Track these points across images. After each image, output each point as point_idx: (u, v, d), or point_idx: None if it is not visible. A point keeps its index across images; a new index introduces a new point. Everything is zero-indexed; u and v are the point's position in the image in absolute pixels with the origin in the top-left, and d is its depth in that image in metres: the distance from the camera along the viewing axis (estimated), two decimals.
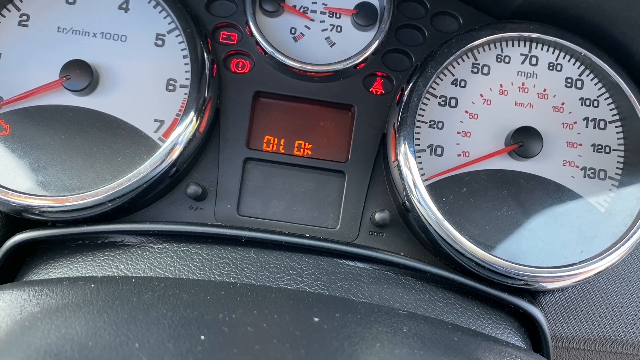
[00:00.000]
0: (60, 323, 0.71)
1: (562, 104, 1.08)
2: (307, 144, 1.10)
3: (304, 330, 0.70)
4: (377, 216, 1.05)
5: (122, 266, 0.94)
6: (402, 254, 1.04)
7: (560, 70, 1.09)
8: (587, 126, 1.07)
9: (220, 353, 0.62)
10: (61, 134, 1.02)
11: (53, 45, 1.06)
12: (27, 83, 1.04)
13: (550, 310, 1.05)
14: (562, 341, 1.06)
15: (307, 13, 1.12)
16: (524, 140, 1.04)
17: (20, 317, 0.76)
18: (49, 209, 0.97)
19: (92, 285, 0.81)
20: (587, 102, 1.08)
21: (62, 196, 0.97)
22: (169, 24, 1.07)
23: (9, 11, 1.07)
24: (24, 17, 1.07)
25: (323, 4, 1.11)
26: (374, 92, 1.11)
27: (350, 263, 0.99)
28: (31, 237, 0.96)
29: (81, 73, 1.03)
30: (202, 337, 0.64)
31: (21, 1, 1.07)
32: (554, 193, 1.04)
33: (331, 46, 1.11)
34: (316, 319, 0.74)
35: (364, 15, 1.10)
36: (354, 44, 1.09)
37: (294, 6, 1.11)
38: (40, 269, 0.97)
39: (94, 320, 0.70)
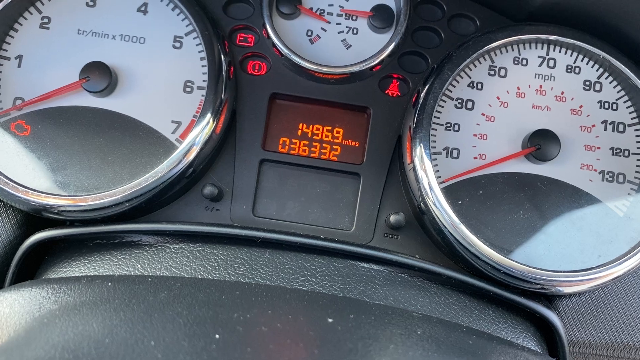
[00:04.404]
0: (78, 320, 0.71)
1: (580, 106, 1.07)
2: (322, 145, 1.10)
3: (318, 330, 0.70)
4: (392, 218, 1.05)
5: (139, 265, 0.95)
6: (417, 256, 1.03)
7: (579, 72, 1.08)
8: (605, 129, 1.06)
9: (234, 352, 0.62)
10: (80, 135, 1.04)
11: (73, 47, 1.08)
12: (48, 84, 1.05)
13: (567, 314, 1.04)
14: (579, 346, 1.05)
15: (323, 15, 1.12)
16: (541, 143, 1.03)
17: (39, 314, 0.77)
18: (68, 209, 0.98)
19: (109, 283, 0.82)
20: (606, 105, 1.07)
21: (81, 196, 0.98)
22: (186, 26, 1.08)
23: (31, 14, 1.09)
24: (45, 20, 1.09)
25: (339, 6, 1.12)
26: (390, 94, 1.11)
27: (365, 265, 0.99)
28: (50, 236, 0.97)
29: (100, 75, 1.04)
30: (217, 336, 0.64)
31: (43, 4, 1.09)
32: (572, 197, 1.03)
33: (347, 48, 1.11)
34: (330, 320, 0.74)
35: (381, 18, 1.10)
36: (370, 46, 1.09)
37: (311, 8, 1.12)
38: (58, 267, 0.98)
39: (111, 318, 0.71)
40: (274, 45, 1.09)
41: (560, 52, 1.08)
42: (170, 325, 0.67)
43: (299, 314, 0.76)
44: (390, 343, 0.70)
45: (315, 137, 1.11)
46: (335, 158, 1.10)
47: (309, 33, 1.12)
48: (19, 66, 1.07)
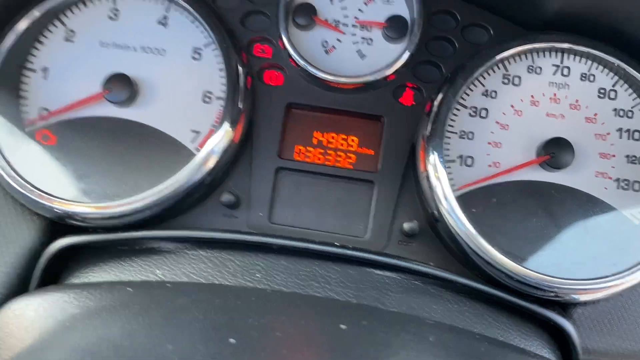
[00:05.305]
0: (98, 324, 0.74)
1: (595, 114, 1.07)
2: (337, 153, 1.12)
3: (331, 336, 0.72)
4: (406, 226, 1.06)
5: (158, 271, 0.97)
6: (431, 264, 1.04)
7: (593, 80, 1.08)
8: (620, 137, 1.06)
9: (248, 356, 0.64)
10: (103, 144, 1.07)
11: (96, 59, 1.11)
12: (72, 95, 1.09)
13: (582, 323, 1.04)
14: (595, 355, 1.04)
15: (338, 26, 1.14)
16: (555, 151, 1.03)
17: (62, 318, 0.80)
18: (91, 216, 1.01)
19: (129, 289, 0.84)
20: (621, 113, 1.07)
21: (103, 203, 1.01)
22: (205, 38, 1.11)
23: (56, 27, 1.12)
24: (70, 33, 1.12)
25: (354, 17, 1.13)
26: (404, 103, 1.12)
27: (379, 272, 1.00)
28: (73, 242, 1.00)
29: (122, 86, 1.07)
30: (232, 340, 0.66)
31: (67, 17, 1.13)
32: (586, 205, 1.03)
33: (362, 58, 1.13)
34: (343, 327, 0.76)
35: (395, 28, 1.11)
36: (385, 56, 1.11)
37: (326, 20, 1.14)
38: (81, 272, 1.01)
39: (130, 322, 0.74)
40: (290, 56, 1.11)
41: (574, 60, 1.09)
42: (187, 329, 0.70)
43: (312, 320, 0.78)
44: (402, 349, 0.71)
45: (330, 146, 1.12)
46: (350, 166, 1.11)
47: (325, 44, 1.14)
48: (44, 78, 1.11)
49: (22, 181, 1.03)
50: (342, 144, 1.12)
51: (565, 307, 1.04)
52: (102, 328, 0.73)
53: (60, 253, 1.02)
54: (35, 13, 1.09)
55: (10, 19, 1.09)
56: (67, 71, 1.11)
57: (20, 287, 0.99)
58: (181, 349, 0.66)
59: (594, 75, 1.09)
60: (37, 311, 0.83)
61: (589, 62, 1.09)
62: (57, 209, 1.01)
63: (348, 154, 1.12)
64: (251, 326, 0.71)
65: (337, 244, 1.02)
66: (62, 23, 1.12)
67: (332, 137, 1.13)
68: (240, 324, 0.72)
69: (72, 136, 1.08)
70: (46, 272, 1.01)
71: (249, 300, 0.82)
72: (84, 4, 1.13)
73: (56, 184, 1.04)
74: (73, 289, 0.86)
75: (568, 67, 1.09)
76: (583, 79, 1.08)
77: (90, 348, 0.68)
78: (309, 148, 1.13)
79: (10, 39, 1.08)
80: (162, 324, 0.71)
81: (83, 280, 1.00)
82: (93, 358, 0.66)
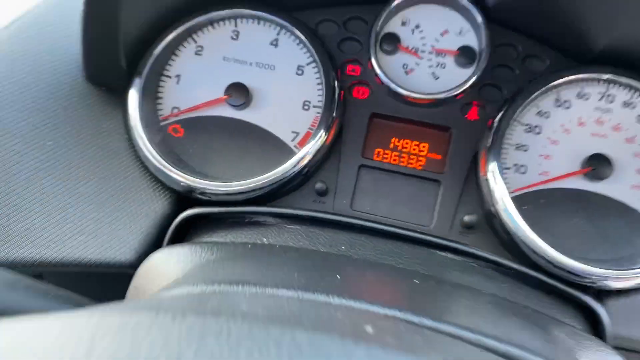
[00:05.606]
0: (233, 264, 0.97)
1: (635, 136, 1.24)
2: (410, 156, 1.34)
3: (408, 283, 0.94)
4: (467, 218, 1.26)
5: (265, 239, 1.21)
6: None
7: (634, 107, 1.26)
8: None
9: (349, 286, 0.86)
10: (222, 138, 1.32)
11: (219, 70, 1.36)
12: (199, 98, 1.34)
13: (614, 310, 1.18)
14: (623, 341, 1.19)
15: (417, 52, 1.36)
16: (596, 165, 1.21)
17: (200, 262, 1.03)
18: (213, 191, 1.24)
19: (249, 246, 1.08)
20: None
21: (224, 182, 1.26)
22: (308, 58, 1.35)
23: (189, 43, 1.39)
24: (199, 48, 1.39)
25: (431, 45, 1.35)
26: (470, 118, 1.32)
27: (442, 253, 1.21)
28: (199, 212, 1.24)
29: (240, 93, 1.32)
30: (338, 276, 0.88)
31: (198, 36, 1.39)
32: (621, 212, 1.20)
33: (436, 79, 1.34)
34: (416, 281, 0.97)
35: (465, 56, 1.32)
36: (455, 78, 1.31)
37: (407, 47, 1.37)
38: (201, 237, 1.26)
39: (256, 265, 0.97)
40: (376, 75, 1.33)
41: (618, 89, 1.26)
42: (302, 269, 0.92)
43: (391, 275, 0.99)
44: (465, 299, 0.92)
45: (404, 150, 1.34)
46: (421, 167, 1.32)
47: (405, 66, 1.36)
48: (177, 83, 1.37)
49: (160, 162, 1.28)
50: (414, 149, 1.34)
51: (599, 295, 1.22)
52: (236, 266, 0.95)
53: (184, 221, 1.26)
54: (177, 30, 1.37)
55: (160, 34, 1.37)
56: (195, 78, 1.37)
57: (156, 246, 1.24)
58: (298, 280, 0.88)
59: (635, 103, 1.26)
60: (178, 257, 1.07)
61: (631, 91, 1.26)
62: (187, 184, 1.25)
63: (419, 157, 1.34)
64: (350, 272, 0.94)
65: (408, 229, 1.23)
66: (194, 40, 1.39)
67: (407, 143, 1.35)
68: (341, 270, 0.95)
69: (198, 130, 1.34)
70: (174, 235, 1.25)
71: (341, 259, 1.04)
72: (213, 26, 1.40)
73: (185, 165, 1.30)
74: (205, 244, 1.10)
75: (612, 95, 1.27)
76: (625, 105, 1.27)
77: (229, 277, 0.90)
78: (386, 150, 1.35)
79: (157, 49, 1.36)
80: (281, 265, 0.95)
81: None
82: (226, 287, 0.88)
